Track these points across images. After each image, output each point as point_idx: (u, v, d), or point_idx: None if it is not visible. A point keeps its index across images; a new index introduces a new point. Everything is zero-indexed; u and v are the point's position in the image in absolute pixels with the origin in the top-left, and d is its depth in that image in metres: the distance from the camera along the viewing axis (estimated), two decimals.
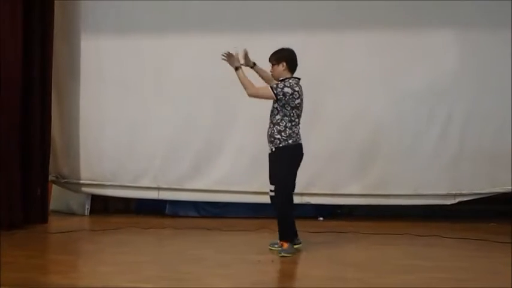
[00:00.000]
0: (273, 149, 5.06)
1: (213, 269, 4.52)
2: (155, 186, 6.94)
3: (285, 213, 5.07)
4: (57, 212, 6.97)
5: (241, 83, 5.06)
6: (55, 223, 6.33)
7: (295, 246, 5.09)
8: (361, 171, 6.87)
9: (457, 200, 6.74)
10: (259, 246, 5.29)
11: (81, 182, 6.95)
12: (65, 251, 5.20)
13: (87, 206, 7.07)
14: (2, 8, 5.86)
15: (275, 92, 4.94)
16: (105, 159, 6.94)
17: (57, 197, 7.07)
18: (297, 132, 5.04)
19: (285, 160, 5.03)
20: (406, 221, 6.63)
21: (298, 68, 6.70)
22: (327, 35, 6.79)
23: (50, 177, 6.74)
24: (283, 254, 4.91)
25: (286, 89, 4.93)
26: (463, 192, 6.72)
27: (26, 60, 6.16)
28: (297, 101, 4.98)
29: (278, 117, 5.00)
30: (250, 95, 5.07)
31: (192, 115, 6.91)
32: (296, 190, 6.63)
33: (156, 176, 6.94)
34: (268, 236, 5.60)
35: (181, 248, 5.34)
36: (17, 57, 6.02)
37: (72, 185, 6.98)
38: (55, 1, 6.59)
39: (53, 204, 6.95)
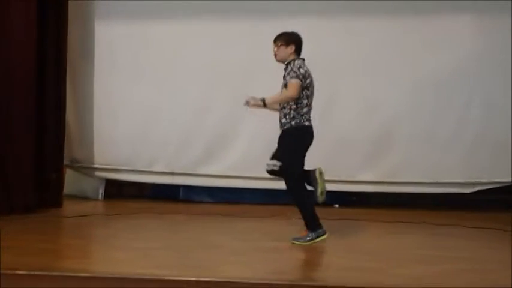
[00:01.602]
0: (281, 133, 4.94)
1: (228, 256, 4.46)
2: (169, 171, 6.90)
3: (301, 202, 4.90)
4: (71, 197, 6.94)
5: (280, 102, 4.88)
6: (69, 208, 6.30)
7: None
8: (377, 158, 6.79)
9: (476, 189, 6.63)
10: (275, 233, 5.22)
11: (95, 166, 6.92)
12: (80, 236, 5.17)
13: (101, 191, 7.05)
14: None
15: (300, 79, 4.78)
16: (119, 144, 6.89)
17: (71, 181, 7.05)
18: (302, 114, 4.84)
19: (288, 143, 4.88)
20: (423, 210, 6.55)
21: (312, 54, 6.67)
22: (340, 21, 6.69)
23: (64, 162, 6.71)
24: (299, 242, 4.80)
25: (301, 70, 4.81)
26: (483, 180, 6.61)
27: (40, 45, 6.09)
28: (308, 81, 4.85)
29: None
30: (290, 98, 4.84)
31: (207, 100, 6.84)
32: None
33: (170, 161, 6.89)
34: (284, 223, 5.53)
35: (196, 234, 5.29)
36: (30, 42, 5.96)
37: (86, 169, 6.95)
38: None
39: (66, 189, 6.92)
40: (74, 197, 6.97)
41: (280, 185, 6.70)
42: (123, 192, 7.31)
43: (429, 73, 6.65)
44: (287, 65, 4.91)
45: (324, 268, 4.42)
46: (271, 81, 6.71)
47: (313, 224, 4.82)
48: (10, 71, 5.76)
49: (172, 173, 6.89)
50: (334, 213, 6.29)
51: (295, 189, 4.87)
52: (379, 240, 5.19)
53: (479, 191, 6.64)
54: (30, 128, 5.99)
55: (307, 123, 4.88)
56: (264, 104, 4.83)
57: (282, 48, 4.92)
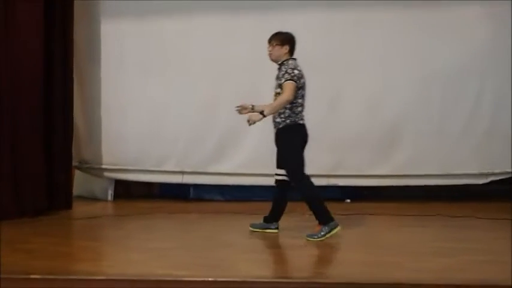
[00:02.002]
0: (275, 132, 4.96)
1: (245, 255, 4.41)
2: (179, 170, 6.85)
3: (309, 196, 4.88)
4: (80, 198, 6.90)
5: (279, 109, 4.86)
6: (79, 209, 6.26)
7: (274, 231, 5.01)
8: (389, 151, 6.75)
9: (489, 180, 6.59)
10: (289, 231, 5.16)
11: (104, 167, 6.86)
12: (92, 238, 5.12)
13: (111, 191, 6.99)
14: None
15: (295, 80, 4.79)
16: (127, 144, 6.84)
17: (80, 182, 7.00)
18: (297, 112, 4.86)
19: (286, 141, 4.91)
20: (436, 202, 6.50)
21: (320, 48, 6.62)
22: (349, 13, 6.65)
23: (73, 163, 6.66)
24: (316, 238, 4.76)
25: (295, 71, 4.82)
26: (495, 171, 6.56)
27: (47, 44, 6.03)
28: (302, 81, 4.86)
29: None
30: (287, 102, 4.84)
31: (216, 97, 6.79)
32: (322, 172, 6.66)
33: (180, 159, 6.84)
34: (297, 219, 5.47)
35: (210, 233, 5.24)
36: (37, 41, 5.89)
37: (95, 170, 6.90)
38: None
39: (75, 190, 6.87)
40: (83, 198, 6.93)
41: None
42: (132, 192, 7.27)
43: (439, 66, 6.62)
44: (280, 65, 4.93)
45: (340, 264, 4.36)
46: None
47: (324, 218, 4.79)
48: (17, 71, 5.69)
49: (182, 172, 6.84)
50: (346, 208, 6.25)
51: (302, 185, 4.86)
52: (393, 234, 5.14)
53: (491, 182, 6.59)
54: (38, 129, 5.94)
55: (301, 122, 4.89)
56: (264, 116, 4.82)
57: (277, 48, 4.95)
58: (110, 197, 6.99)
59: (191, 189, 7.00)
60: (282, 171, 4.99)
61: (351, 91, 6.68)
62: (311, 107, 6.62)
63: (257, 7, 6.66)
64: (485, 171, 6.58)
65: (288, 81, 4.78)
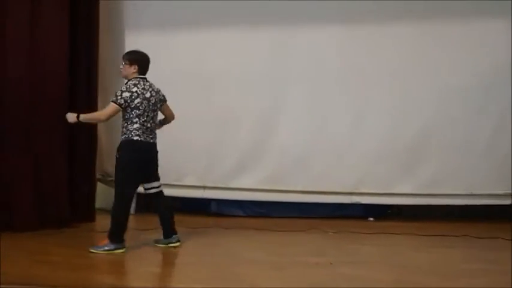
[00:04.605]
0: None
1: (267, 271, 4.36)
2: (200, 184, 6.83)
3: (118, 213, 5.04)
4: (102, 210, 6.88)
5: (89, 120, 5.16)
6: (101, 221, 6.22)
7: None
8: (412, 169, 6.66)
9: None
10: (312, 248, 5.12)
11: None
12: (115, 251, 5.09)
13: (133, 205, 6.96)
14: (49, 7, 5.81)
15: (117, 104, 4.92)
16: None
17: (102, 195, 6.98)
18: (131, 130, 5.00)
19: (119, 157, 5.08)
20: (461, 222, 6.39)
21: (342, 64, 6.55)
22: (369, 29, 6.63)
23: (96, 176, 6.67)
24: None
25: (124, 94, 4.93)
26: None
27: (72, 57, 6.09)
28: (137, 101, 4.95)
29: None
30: (99, 120, 5.28)
31: (237, 113, 6.78)
32: (345, 189, 6.62)
33: (201, 174, 6.83)
34: (320, 236, 5.42)
35: (231, 248, 5.21)
36: (63, 55, 5.96)
37: None
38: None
39: (97, 203, 6.87)
40: (104, 210, 6.91)
41: (312, 198, 6.73)
42: (152, 206, 7.23)
43: (462, 81, 6.51)
44: (125, 83, 5.04)
45: (372, 284, 4.26)
46: (300, 90, 6.73)
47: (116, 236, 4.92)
48: (43, 84, 5.76)
49: (203, 187, 6.82)
50: (370, 227, 6.18)
51: (120, 200, 5.07)
52: (421, 254, 5.05)
53: None
54: (62, 141, 5.97)
55: (136, 138, 4.99)
56: (78, 120, 4.97)
57: (127, 66, 5.05)
58: (132, 211, 6.96)
59: (212, 204, 6.96)
60: (151, 185, 5.21)
61: (373, 108, 6.63)
62: (333, 124, 6.70)
63: (277, 21, 6.68)
64: (510, 191, 6.44)
65: (111, 102, 4.93)
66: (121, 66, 5.07)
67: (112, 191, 6.96)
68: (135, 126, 4.95)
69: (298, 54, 6.72)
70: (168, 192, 6.88)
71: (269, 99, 6.75)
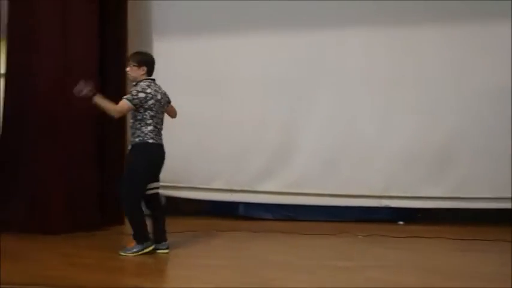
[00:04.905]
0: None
1: (297, 275, 4.34)
2: (228, 188, 6.86)
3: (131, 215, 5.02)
4: None
5: (102, 108, 4.95)
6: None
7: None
8: (442, 172, 6.58)
9: None
10: (342, 252, 5.09)
11: None
12: (144, 254, 5.13)
13: None
14: (79, 13, 5.93)
15: (131, 103, 4.88)
16: (178, 161, 6.79)
17: None
18: (146, 132, 4.96)
19: (132, 160, 5.04)
20: (492, 226, 6.27)
21: (371, 66, 6.53)
22: (396, 30, 6.59)
23: None
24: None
25: (140, 94, 4.89)
26: None
27: (102, 62, 6.19)
28: (151, 102, 4.93)
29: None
30: (111, 113, 4.99)
31: (265, 116, 6.81)
32: (374, 193, 6.58)
33: (229, 177, 6.86)
34: (349, 240, 5.38)
35: (260, 252, 5.21)
36: (93, 59, 6.07)
37: None
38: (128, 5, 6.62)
39: None
40: None
41: (340, 202, 6.70)
42: (181, 209, 7.28)
43: (493, 82, 6.42)
44: (135, 85, 5.00)
45: None
46: (327, 93, 6.71)
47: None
48: (73, 87, 5.84)
49: (231, 190, 6.84)
50: (400, 230, 6.12)
51: (130, 204, 4.99)
52: (454, 258, 4.98)
53: None
54: (92, 145, 6.06)
55: (150, 141, 4.96)
56: (92, 97, 4.84)
57: (135, 68, 5.01)
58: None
59: (240, 207, 6.98)
60: (152, 185, 5.08)
61: (401, 110, 6.59)
62: (361, 126, 6.66)
63: (307, 26, 6.69)
64: None
65: (124, 99, 4.87)
66: (128, 69, 5.04)
67: None
68: (149, 128, 4.95)
69: (325, 57, 6.72)
70: (196, 195, 6.99)
71: (296, 102, 6.76)
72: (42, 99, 5.77)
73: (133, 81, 5.06)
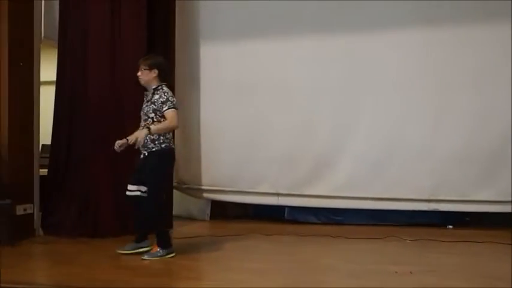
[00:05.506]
0: (146, 155, 4.98)
1: (346, 279, 4.31)
2: (274, 191, 6.85)
3: (157, 221, 4.99)
4: (178, 218, 7.04)
5: (162, 132, 4.92)
6: (178, 228, 6.38)
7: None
8: (492, 175, 6.42)
9: None
10: (390, 256, 5.02)
11: (202, 187, 6.99)
12: (192, 257, 5.18)
13: (208, 212, 7.12)
14: (128, 21, 6.04)
15: (176, 107, 4.92)
16: (224, 165, 6.93)
17: (177, 202, 7.14)
18: (170, 138, 5.01)
19: (157, 165, 4.95)
20: None
21: (421, 68, 6.43)
22: (448, 31, 6.45)
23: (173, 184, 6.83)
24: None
25: (174, 99, 4.95)
26: None
27: None
28: None
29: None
30: (173, 128, 5.06)
31: (311, 120, 6.77)
32: (422, 196, 6.46)
33: (275, 181, 6.85)
34: (397, 244, 5.29)
35: (308, 255, 5.18)
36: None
37: (194, 190, 7.04)
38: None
39: (173, 210, 7.03)
40: (180, 218, 7.07)
41: (388, 205, 6.61)
42: (227, 212, 7.34)
43: None
44: (155, 90, 4.95)
45: None
46: (376, 96, 6.63)
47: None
48: (122, 93, 5.97)
49: (277, 194, 6.84)
50: (449, 235, 6.00)
51: (156, 208, 4.98)
52: (502, 263, 4.83)
53: None
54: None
55: (173, 146, 5.09)
56: (150, 132, 4.85)
57: (146, 72, 4.97)
58: (206, 217, 7.10)
59: (286, 211, 6.96)
60: (135, 187, 4.99)
61: (451, 111, 6.46)
62: (410, 129, 6.55)
63: (353, 28, 6.63)
64: None
65: (171, 109, 4.87)
66: (139, 73, 5.01)
67: (187, 198, 7.16)
68: (170, 134, 5.04)
69: (375, 59, 6.64)
70: (242, 199, 7.01)
71: (344, 104, 6.70)
72: (93, 106, 5.89)
73: (146, 86, 5.05)
